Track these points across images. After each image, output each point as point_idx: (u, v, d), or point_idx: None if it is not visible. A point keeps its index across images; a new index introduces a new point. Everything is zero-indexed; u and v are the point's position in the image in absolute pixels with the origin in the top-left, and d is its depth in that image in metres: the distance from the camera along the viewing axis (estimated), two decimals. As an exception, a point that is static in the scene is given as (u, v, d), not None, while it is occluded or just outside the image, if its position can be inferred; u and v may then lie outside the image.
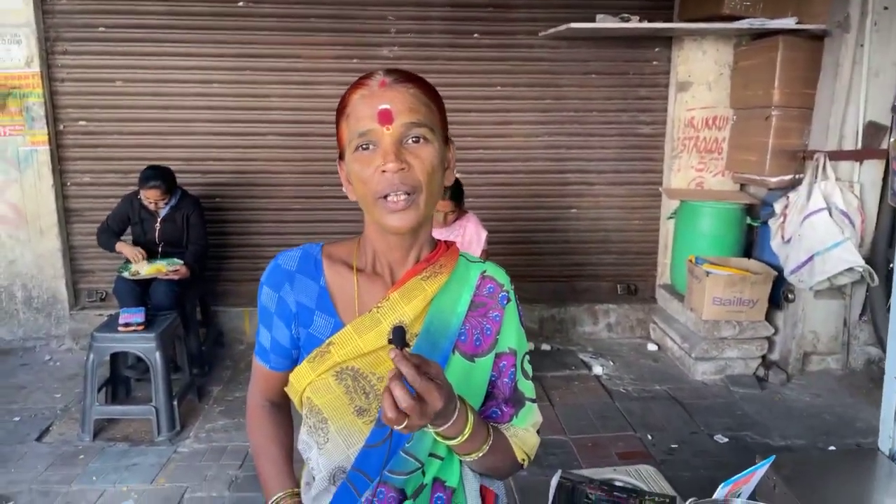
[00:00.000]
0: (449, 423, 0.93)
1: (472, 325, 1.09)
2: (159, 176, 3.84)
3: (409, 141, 0.98)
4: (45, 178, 4.38)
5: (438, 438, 0.97)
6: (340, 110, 1.03)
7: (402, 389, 0.84)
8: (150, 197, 3.85)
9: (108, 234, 3.97)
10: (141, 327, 3.33)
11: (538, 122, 4.72)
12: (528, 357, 1.16)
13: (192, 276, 3.94)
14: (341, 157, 1.05)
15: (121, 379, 3.72)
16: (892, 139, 3.69)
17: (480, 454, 1.01)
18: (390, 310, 1.05)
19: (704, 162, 4.73)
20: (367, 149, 0.98)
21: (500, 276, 1.15)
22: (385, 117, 0.96)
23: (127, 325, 3.32)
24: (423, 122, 0.98)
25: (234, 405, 3.70)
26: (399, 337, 0.88)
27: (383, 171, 0.96)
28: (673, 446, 3.27)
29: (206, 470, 3.04)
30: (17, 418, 3.53)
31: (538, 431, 1.17)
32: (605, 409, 3.69)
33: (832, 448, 3.24)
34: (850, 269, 3.66)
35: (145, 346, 3.32)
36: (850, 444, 3.31)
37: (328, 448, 1.06)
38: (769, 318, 4.13)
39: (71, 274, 4.60)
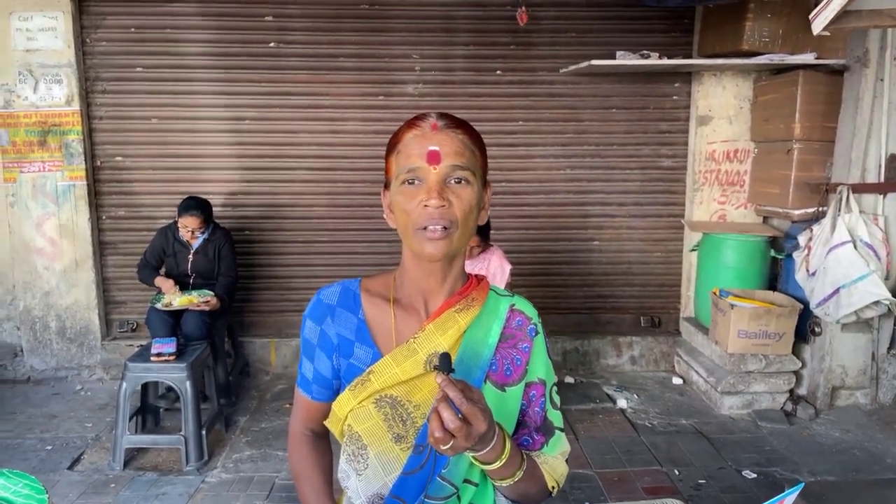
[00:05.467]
0: (488, 448, 0.97)
1: (502, 356, 1.15)
2: (199, 205, 3.97)
3: (452, 181, 1.06)
4: (81, 212, 4.54)
5: (476, 463, 1.01)
6: (392, 145, 1.11)
7: (450, 411, 0.89)
8: (189, 225, 3.95)
9: (149, 269, 4.08)
10: (172, 357, 3.41)
11: (560, 155, 4.80)
12: (555, 388, 1.20)
13: (222, 307, 4.02)
14: (386, 186, 1.13)
15: (150, 409, 3.79)
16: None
17: (514, 480, 1.05)
18: (426, 340, 1.11)
19: (727, 194, 4.75)
20: (413, 183, 1.06)
21: (528, 309, 1.20)
22: (433, 157, 1.04)
23: (159, 355, 3.40)
24: (466, 166, 1.06)
25: (261, 436, 3.74)
26: (445, 363, 0.93)
27: (425, 206, 1.04)
28: (700, 482, 3.24)
29: (234, 500, 3.07)
30: (49, 447, 3.61)
31: (566, 460, 1.21)
32: (630, 443, 3.67)
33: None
34: (877, 303, 3.63)
35: (176, 375, 3.39)
36: (891, 477, 3.25)
37: (367, 475, 1.10)
38: (796, 351, 4.10)
39: (104, 305, 4.72)
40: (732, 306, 4.00)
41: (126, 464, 3.38)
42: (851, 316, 3.70)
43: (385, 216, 1.16)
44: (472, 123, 1.13)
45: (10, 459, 3.43)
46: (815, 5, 2.43)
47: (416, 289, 1.15)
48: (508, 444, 1.01)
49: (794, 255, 4.04)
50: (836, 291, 3.67)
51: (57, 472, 3.33)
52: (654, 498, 3.09)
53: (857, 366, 4.02)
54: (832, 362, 4.00)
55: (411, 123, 1.09)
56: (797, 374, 4.09)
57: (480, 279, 1.20)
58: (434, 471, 1.07)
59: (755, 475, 3.29)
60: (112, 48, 4.53)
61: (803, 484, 1.00)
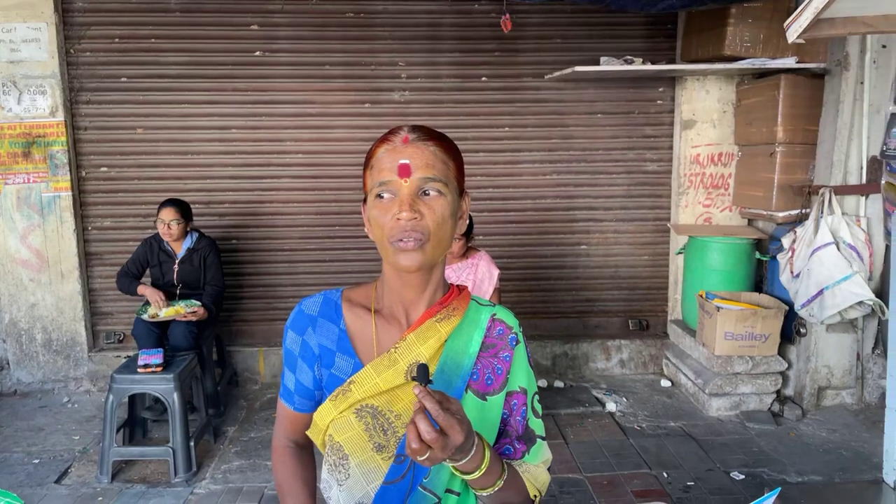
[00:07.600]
0: (467, 458, 0.98)
1: (483, 365, 1.15)
2: (176, 201, 4.01)
3: (424, 193, 1.06)
4: (66, 223, 4.51)
5: (456, 473, 1.02)
6: (367, 160, 1.13)
7: (426, 423, 0.90)
8: (166, 217, 3.92)
9: (129, 279, 4.06)
10: (159, 368, 3.39)
11: (546, 161, 4.82)
12: (537, 396, 1.21)
13: (209, 317, 4.00)
14: (364, 200, 1.14)
15: (138, 420, 3.77)
16: (883, 181, 3.75)
17: (495, 489, 1.05)
18: (407, 350, 1.11)
19: (711, 198, 4.79)
20: (385, 197, 1.07)
21: (509, 318, 1.21)
22: (404, 171, 1.05)
23: (146, 366, 3.39)
24: (437, 178, 1.07)
25: (250, 445, 3.73)
26: (423, 374, 0.94)
27: (398, 219, 1.05)
28: (689, 484, 3.26)
29: (223, 511, 3.06)
30: (36, 461, 3.58)
31: (549, 469, 1.22)
32: (619, 446, 3.68)
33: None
34: (861, 303, 3.67)
35: (164, 387, 3.37)
36: (867, 479, 3.28)
37: (349, 484, 1.11)
38: (782, 352, 4.13)
39: (90, 316, 4.69)
40: (718, 308, 4.03)
41: (114, 476, 3.36)
42: (836, 316, 3.74)
43: (366, 230, 1.17)
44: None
45: (-3, 474, 3.41)
46: (794, 10, 2.46)
47: (396, 299, 1.16)
48: (488, 454, 1.02)
49: (779, 256, 4.08)
50: (820, 292, 3.71)
51: (44, 486, 3.30)
52: (643, 501, 3.10)
53: (842, 366, 4.06)
54: (818, 363, 4.04)
55: (384, 138, 1.11)
56: (784, 374, 4.13)
57: (461, 289, 1.21)
58: (415, 480, 1.07)
59: (743, 476, 3.31)
60: (96, 58, 4.52)
61: (779, 489, 1.02)
